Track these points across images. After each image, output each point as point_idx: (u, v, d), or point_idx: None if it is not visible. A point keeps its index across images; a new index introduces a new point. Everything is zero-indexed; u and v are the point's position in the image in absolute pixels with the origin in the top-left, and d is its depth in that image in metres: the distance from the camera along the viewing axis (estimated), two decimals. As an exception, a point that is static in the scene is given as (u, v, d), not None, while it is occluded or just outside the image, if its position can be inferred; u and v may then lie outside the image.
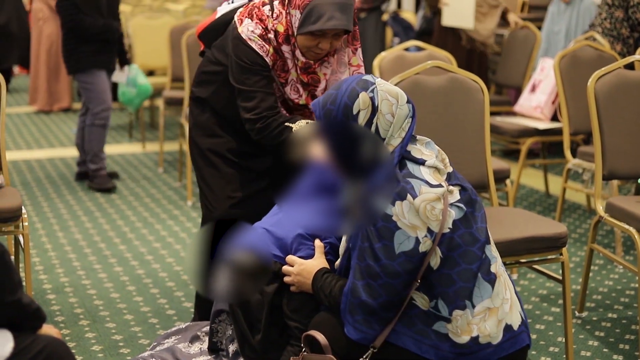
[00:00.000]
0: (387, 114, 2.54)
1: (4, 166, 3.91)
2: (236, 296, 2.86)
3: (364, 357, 2.55)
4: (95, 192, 6.10)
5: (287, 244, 2.83)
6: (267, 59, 3.16)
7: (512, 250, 3.28)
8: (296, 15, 3.05)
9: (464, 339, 2.52)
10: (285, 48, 3.15)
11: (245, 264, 2.80)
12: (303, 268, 2.75)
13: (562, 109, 4.82)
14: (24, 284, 3.74)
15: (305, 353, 2.67)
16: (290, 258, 2.79)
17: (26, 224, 3.70)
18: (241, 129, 3.29)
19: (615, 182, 4.61)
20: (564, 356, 3.52)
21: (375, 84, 2.57)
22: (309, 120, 3.14)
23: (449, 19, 6.74)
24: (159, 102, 7.41)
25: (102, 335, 3.72)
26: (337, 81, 3.10)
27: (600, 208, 3.74)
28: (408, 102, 2.59)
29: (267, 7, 3.17)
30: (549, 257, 3.41)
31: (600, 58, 4.90)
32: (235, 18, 3.21)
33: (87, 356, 3.51)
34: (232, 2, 3.43)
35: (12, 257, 4.03)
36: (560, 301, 4.11)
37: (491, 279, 2.56)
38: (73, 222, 5.39)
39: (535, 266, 3.60)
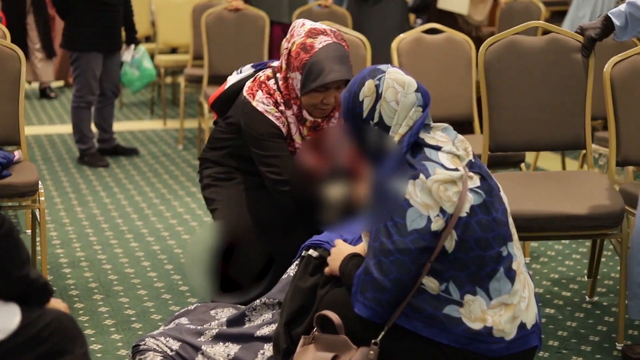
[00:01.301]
0: (392, 101, 2.57)
1: (22, 141, 3.97)
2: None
3: (377, 338, 2.56)
4: (114, 167, 6.16)
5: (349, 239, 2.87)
6: (284, 130, 3.24)
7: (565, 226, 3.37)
8: (297, 78, 3.13)
9: (478, 325, 2.53)
10: (288, 113, 3.22)
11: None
12: (336, 250, 2.76)
13: (580, 93, 4.80)
14: (38, 258, 3.81)
15: (316, 333, 2.68)
16: (337, 241, 2.81)
17: (42, 198, 3.76)
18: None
19: (630, 168, 4.60)
20: (572, 340, 3.54)
21: (385, 72, 2.61)
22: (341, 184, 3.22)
23: (444, 3, 6.72)
24: (181, 79, 7.45)
25: (115, 309, 3.78)
26: None
27: (612, 194, 3.73)
28: (417, 91, 2.60)
29: (272, 81, 3.24)
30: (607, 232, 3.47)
31: (622, 44, 4.85)
32: (245, 94, 3.26)
33: (99, 330, 3.57)
34: (241, 72, 3.48)
35: (29, 231, 4.09)
36: (572, 285, 4.12)
37: (511, 276, 2.57)
38: (91, 197, 5.45)
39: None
